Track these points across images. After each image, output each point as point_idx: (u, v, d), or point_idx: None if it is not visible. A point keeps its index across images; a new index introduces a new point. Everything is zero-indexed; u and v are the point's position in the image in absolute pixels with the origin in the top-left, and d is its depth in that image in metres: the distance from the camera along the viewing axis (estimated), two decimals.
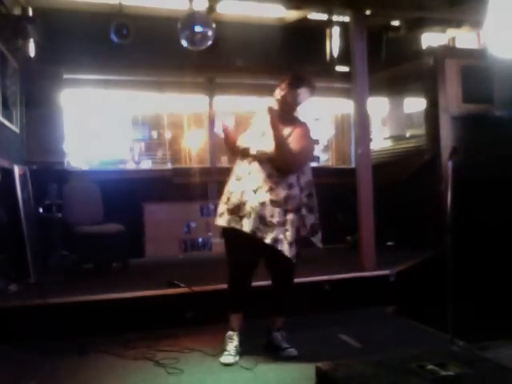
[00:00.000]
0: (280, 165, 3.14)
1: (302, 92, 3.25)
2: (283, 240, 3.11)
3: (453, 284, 3.18)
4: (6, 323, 3.60)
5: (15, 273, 4.40)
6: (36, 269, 4.58)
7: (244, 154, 3.23)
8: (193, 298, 4.01)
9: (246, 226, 3.10)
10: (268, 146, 3.16)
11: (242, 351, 3.25)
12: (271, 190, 3.13)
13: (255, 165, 3.17)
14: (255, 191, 3.13)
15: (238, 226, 3.13)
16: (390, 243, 6.28)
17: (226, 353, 3.21)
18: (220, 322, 3.40)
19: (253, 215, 3.09)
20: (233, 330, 3.29)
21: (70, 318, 3.72)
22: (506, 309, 4.07)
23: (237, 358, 3.19)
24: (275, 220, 3.11)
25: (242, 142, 3.25)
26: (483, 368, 2.32)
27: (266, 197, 3.12)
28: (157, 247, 6.18)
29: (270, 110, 3.15)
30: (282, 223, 3.13)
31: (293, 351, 3.25)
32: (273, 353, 3.29)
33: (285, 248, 3.11)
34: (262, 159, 3.17)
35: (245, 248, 3.18)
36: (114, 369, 3.16)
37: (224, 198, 3.26)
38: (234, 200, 3.16)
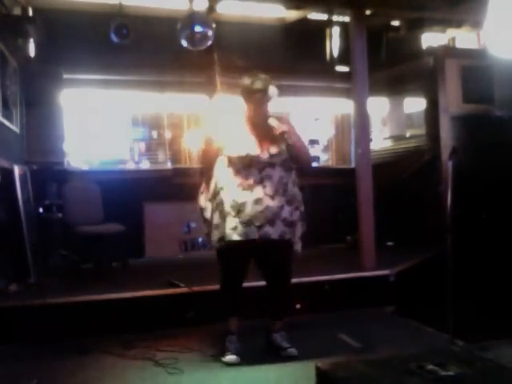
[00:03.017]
0: (306, 165, 3.36)
1: (273, 89, 3.24)
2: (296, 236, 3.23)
3: (453, 284, 3.18)
4: (6, 323, 3.60)
5: (15, 273, 4.40)
6: (36, 269, 4.58)
7: (248, 162, 3.13)
8: (193, 298, 4.01)
9: (272, 233, 3.09)
10: (275, 149, 3.18)
11: (242, 351, 3.24)
12: (285, 191, 3.17)
13: (268, 171, 3.14)
14: (273, 197, 3.12)
15: (253, 236, 3.08)
16: (389, 243, 6.28)
17: (227, 353, 3.21)
18: (220, 321, 3.40)
19: (277, 221, 3.11)
20: (232, 333, 3.29)
21: (69, 318, 3.72)
22: (506, 309, 4.07)
23: (238, 358, 3.19)
24: (293, 218, 3.20)
25: (235, 151, 3.15)
26: (483, 368, 2.32)
27: (283, 200, 3.15)
28: (157, 247, 6.17)
29: (288, 133, 3.17)
30: (295, 220, 3.21)
31: (293, 351, 3.25)
32: (273, 353, 3.29)
33: (297, 245, 3.24)
34: (274, 163, 3.16)
35: (240, 255, 3.19)
36: (114, 369, 3.17)
37: (231, 211, 3.10)
38: (249, 210, 3.08)
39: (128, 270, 5.21)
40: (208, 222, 3.27)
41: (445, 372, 2.23)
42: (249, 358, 3.21)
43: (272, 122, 3.22)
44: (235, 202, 3.11)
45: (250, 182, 3.13)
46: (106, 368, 3.18)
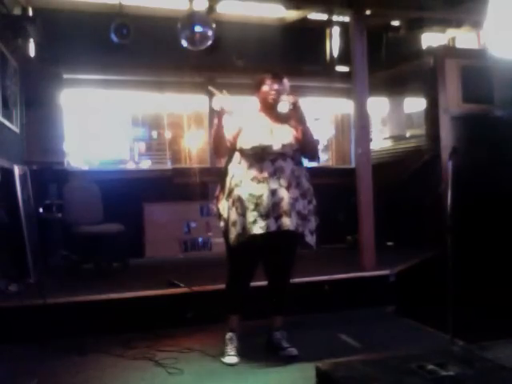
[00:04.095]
0: (312, 153, 3.39)
1: (286, 82, 3.28)
2: (308, 230, 3.21)
3: (453, 284, 3.18)
4: (6, 323, 3.60)
5: (15, 273, 4.39)
6: (36, 269, 4.58)
7: (261, 152, 3.14)
8: (193, 298, 4.01)
9: (289, 224, 3.07)
10: (287, 139, 3.20)
11: (242, 351, 3.24)
12: (298, 184, 3.18)
13: (280, 163, 3.14)
14: (287, 188, 3.12)
15: (273, 228, 3.05)
16: (389, 243, 6.28)
17: (227, 353, 3.21)
18: (220, 321, 3.40)
19: (292, 212, 3.09)
20: (232, 331, 3.29)
21: (69, 318, 3.71)
22: (506, 309, 4.07)
23: (238, 358, 3.19)
24: (306, 211, 3.19)
25: (248, 142, 3.16)
26: (483, 368, 2.32)
27: (297, 192, 3.16)
28: (157, 247, 6.18)
29: (296, 103, 3.16)
30: (308, 213, 3.21)
31: (293, 351, 3.25)
32: (273, 352, 3.28)
33: (310, 239, 3.21)
34: (286, 154, 3.17)
35: (254, 251, 3.18)
36: (114, 369, 3.16)
37: (249, 205, 3.08)
38: (267, 203, 3.06)
39: (128, 269, 5.21)
40: (225, 221, 3.22)
41: (445, 372, 2.23)
42: (249, 358, 3.21)
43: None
44: (252, 196, 3.08)
45: (265, 174, 3.12)
46: (106, 368, 3.18)
